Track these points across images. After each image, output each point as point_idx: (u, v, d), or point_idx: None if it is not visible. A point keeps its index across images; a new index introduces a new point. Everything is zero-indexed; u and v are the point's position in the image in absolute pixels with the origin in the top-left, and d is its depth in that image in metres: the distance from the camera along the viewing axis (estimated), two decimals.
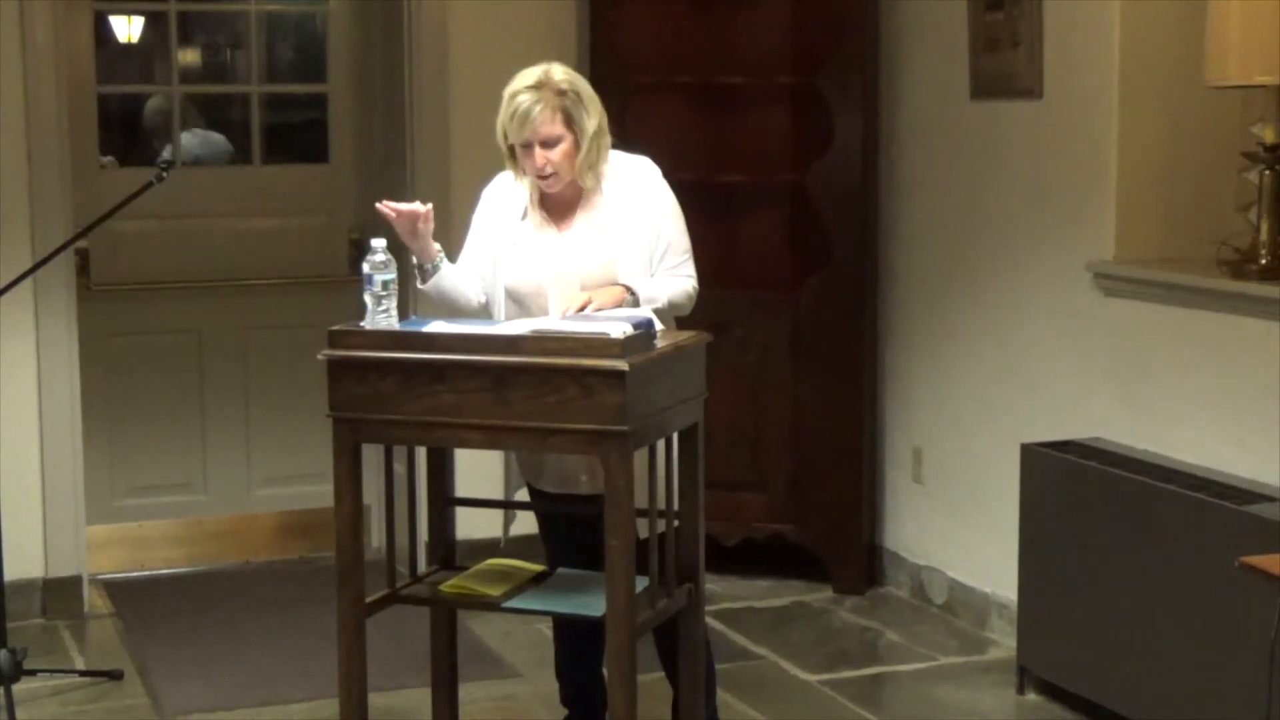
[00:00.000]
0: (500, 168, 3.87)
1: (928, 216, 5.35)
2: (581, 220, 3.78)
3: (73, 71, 5.50)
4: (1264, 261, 4.12)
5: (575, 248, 3.75)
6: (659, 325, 3.52)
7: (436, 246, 3.73)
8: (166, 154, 5.87)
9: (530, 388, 3.30)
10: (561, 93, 3.65)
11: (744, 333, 5.52)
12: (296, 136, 6.20)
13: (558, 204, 3.80)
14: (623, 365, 3.24)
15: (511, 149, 3.72)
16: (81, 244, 5.25)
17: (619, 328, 3.31)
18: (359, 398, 3.44)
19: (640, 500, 3.44)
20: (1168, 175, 4.55)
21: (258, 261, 6.00)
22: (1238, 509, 3.79)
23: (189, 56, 6.16)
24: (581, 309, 3.57)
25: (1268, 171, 4.16)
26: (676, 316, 3.79)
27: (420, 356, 3.39)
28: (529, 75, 3.67)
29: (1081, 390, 4.66)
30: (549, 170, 3.67)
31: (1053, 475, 4.39)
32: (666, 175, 3.86)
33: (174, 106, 5.97)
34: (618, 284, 3.69)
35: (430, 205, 3.68)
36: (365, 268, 3.51)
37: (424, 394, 3.38)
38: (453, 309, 3.79)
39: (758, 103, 5.68)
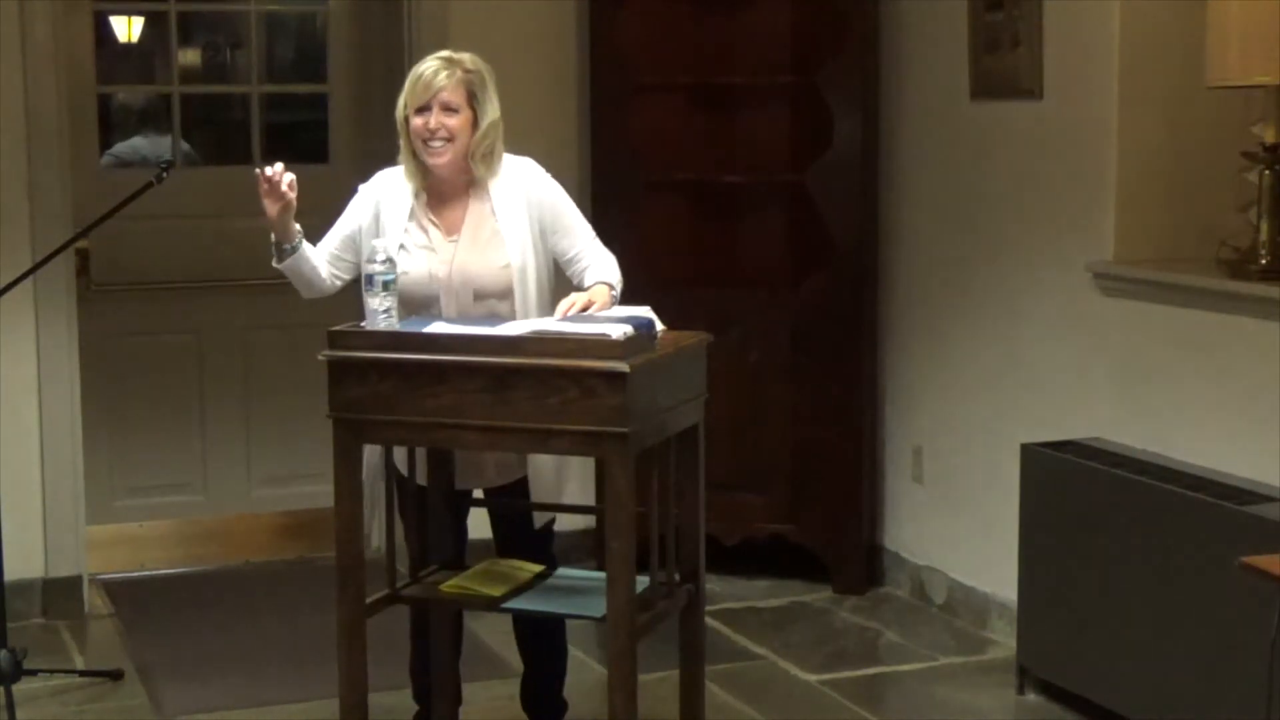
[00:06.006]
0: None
1: (928, 216, 5.35)
2: (470, 224, 3.76)
3: (73, 71, 5.50)
4: (1264, 261, 4.12)
5: (468, 253, 3.73)
6: (659, 325, 3.53)
7: (297, 227, 3.73)
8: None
9: (531, 389, 3.31)
10: (469, 71, 3.70)
11: (744, 333, 5.52)
12: (296, 136, 6.20)
13: (445, 209, 3.77)
14: (623, 367, 3.24)
15: (408, 125, 3.70)
16: (81, 244, 5.24)
17: (619, 329, 3.31)
18: (359, 398, 3.44)
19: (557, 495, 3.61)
20: (1168, 175, 4.55)
21: (258, 261, 5.95)
22: (1238, 509, 3.79)
23: (189, 56, 6.16)
24: (584, 309, 3.57)
25: (1268, 171, 4.16)
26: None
27: (420, 357, 3.40)
28: (438, 53, 3.74)
29: (1081, 390, 4.66)
30: (442, 134, 3.66)
31: (1053, 475, 4.39)
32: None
33: (174, 106, 5.96)
34: (600, 283, 3.70)
35: (292, 176, 3.66)
36: (365, 268, 3.52)
37: (424, 395, 3.38)
38: (307, 290, 3.84)
39: (758, 103, 5.68)
